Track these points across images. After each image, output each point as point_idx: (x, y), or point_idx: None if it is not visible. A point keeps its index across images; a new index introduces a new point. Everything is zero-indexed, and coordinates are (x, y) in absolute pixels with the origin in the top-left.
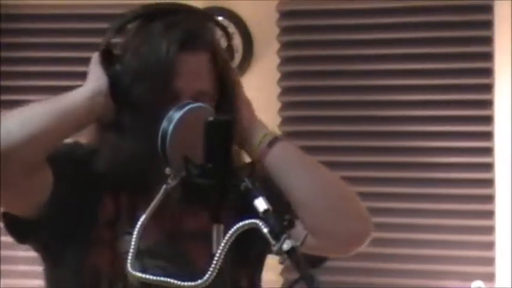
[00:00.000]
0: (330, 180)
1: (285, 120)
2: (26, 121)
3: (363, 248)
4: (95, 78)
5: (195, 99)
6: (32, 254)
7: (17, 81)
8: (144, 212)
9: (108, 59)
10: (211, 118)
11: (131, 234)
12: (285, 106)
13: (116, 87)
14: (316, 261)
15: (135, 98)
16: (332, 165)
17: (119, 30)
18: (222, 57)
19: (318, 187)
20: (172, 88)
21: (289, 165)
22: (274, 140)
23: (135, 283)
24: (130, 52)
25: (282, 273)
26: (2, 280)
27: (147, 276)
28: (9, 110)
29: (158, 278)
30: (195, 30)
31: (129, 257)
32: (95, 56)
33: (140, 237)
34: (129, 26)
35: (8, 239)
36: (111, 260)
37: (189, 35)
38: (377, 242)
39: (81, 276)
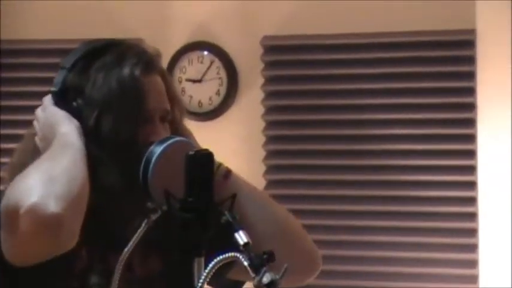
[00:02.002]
0: (284, 216)
1: (270, 154)
2: (53, 182)
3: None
4: (66, 117)
5: (163, 118)
6: None
7: (17, 115)
8: (114, 264)
9: (62, 99)
10: (192, 152)
11: (102, 287)
12: (270, 140)
13: (81, 123)
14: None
15: (106, 130)
16: (317, 198)
17: (71, 69)
18: (170, 80)
19: (271, 221)
20: (143, 108)
21: (245, 199)
22: (228, 173)
23: None
24: (88, 87)
25: None
26: None
27: None
28: (9, 144)
29: None
30: (146, 54)
31: None
32: (47, 99)
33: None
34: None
35: None
36: None
37: (144, 59)
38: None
39: None
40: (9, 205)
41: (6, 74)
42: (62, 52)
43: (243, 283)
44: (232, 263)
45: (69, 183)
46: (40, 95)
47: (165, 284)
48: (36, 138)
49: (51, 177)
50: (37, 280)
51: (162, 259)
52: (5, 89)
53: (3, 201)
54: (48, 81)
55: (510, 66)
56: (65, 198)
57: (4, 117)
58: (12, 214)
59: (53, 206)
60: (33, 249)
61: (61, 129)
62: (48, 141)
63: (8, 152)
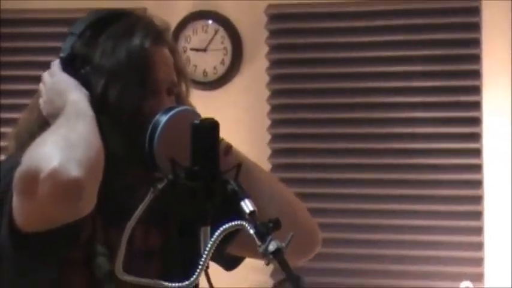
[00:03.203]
0: (283, 191)
1: (274, 123)
2: (74, 147)
3: (353, 249)
4: (75, 85)
5: (170, 91)
6: None
7: (17, 85)
8: (116, 234)
9: (70, 65)
10: (197, 121)
11: (106, 256)
12: (274, 108)
13: (88, 91)
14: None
15: (113, 99)
16: (321, 167)
17: (80, 36)
18: (178, 54)
19: (271, 198)
20: (151, 79)
21: (246, 174)
22: (228, 148)
23: None
24: (97, 55)
25: (271, 275)
26: None
27: (138, 279)
28: (9, 113)
29: (148, 280)
30: (156, 26)
31: (117, 261)
32: (55, 64)
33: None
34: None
35: None
36: (86, 282)
37: (154, 31)
38: (366, 243)
39: None
40: (29, 170)
41: (6, 44)
42: (63, 22)
43: (242, 259)
44: (232, 238)
45: (87, 150)
46: (40, 65)
47: (162, 259)
48: (41, 101)
49: (70, 143)
50: (43, 247)
51: (161, 235)
52: (4, 59)
53: (21, 166)
54: (48, 51)
55: None
56: (84, 164)
57: (4, 87)
58: (32, 179)
59: (74, 171)
60: (52, 214)
61: (71, 96)
62: (54, 106)
63: (8, 122)
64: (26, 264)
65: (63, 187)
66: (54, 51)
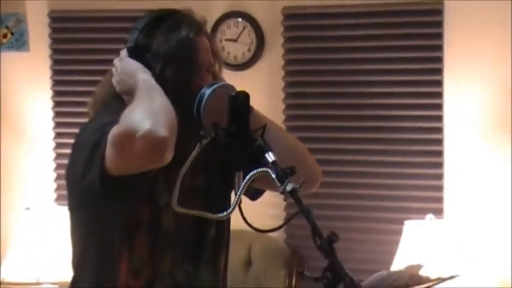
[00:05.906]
0: (295, 143)
1: (288, 95)
2: (158, 114)
3: (346, 190)
4: (141, 67)
5: (208, 70)
6: None
7: (67, 66)
8: (173, 175)
9: (135, 53)
10: (234, 93)
11: (165, 191)
12: (288, 85)
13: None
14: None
15: (168, 77)
16: (323, 128)
17: (142, 31)
18: (214, 41)
19: (285, 146)
20: (196, 61)
21: (268, 132)
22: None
23: (169, 228)
24: (155, 45)
25: (285, 209)
26: None
27: (189, 211)
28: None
29: (196, 212)
30: (197, 21)
31: (173, 197)
32: (123, 52)
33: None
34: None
35: None
36: (150, 212)
37: (196, 25)
38: (360, 186)
39: (124, 226)
40: (126, 130)
41: (56, 35)
42: (101, 19)
43: (263, 191)
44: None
45: (168, 115)
46: (85, 51)
47: (205, 195)
48: (113, 80)
49: (154, 111)
50: (122, 185)
51: (204, 178)
52: (55, 46)
53: (119, 127)
54: (92, 41)
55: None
56: (168, 126)
57: (55, 67)
58: (129, 136)
59: (162, 131)
60: (142, 163)
61: (140, 76)
62: (126, 84)
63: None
64: (109, 199)
65: (155, 143)
66: (96, 40)
